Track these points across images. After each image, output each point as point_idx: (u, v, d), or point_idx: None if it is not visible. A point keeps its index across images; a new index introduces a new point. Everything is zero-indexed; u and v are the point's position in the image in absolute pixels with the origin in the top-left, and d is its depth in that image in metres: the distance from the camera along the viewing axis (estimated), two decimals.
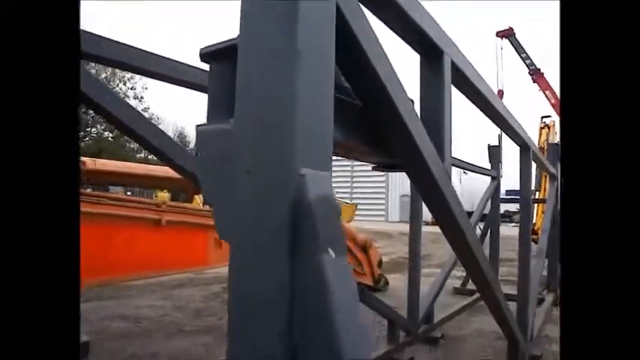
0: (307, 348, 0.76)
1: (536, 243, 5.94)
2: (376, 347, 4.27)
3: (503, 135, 7.97)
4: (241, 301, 0.86)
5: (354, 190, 31.10)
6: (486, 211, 6.23)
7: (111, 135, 30.44)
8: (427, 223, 5.49)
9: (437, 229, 2.23)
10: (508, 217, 25.17)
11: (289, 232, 0.77)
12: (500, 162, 6.31)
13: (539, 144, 11.49)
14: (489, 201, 6.01)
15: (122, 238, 3.60)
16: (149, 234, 3.72)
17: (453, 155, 4.46)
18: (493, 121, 2.94)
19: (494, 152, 6.17)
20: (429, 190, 1.70)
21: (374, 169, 1.69)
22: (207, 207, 4.55)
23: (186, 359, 4.32)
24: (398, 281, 7.43)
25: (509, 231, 9.92)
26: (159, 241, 3.81)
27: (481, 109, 2.65)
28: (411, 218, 4.54)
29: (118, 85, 32.55)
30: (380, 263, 6.83)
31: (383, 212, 31.95)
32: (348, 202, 11.88)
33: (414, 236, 4.46)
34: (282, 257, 0.77)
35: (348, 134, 1.20)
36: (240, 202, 0.83)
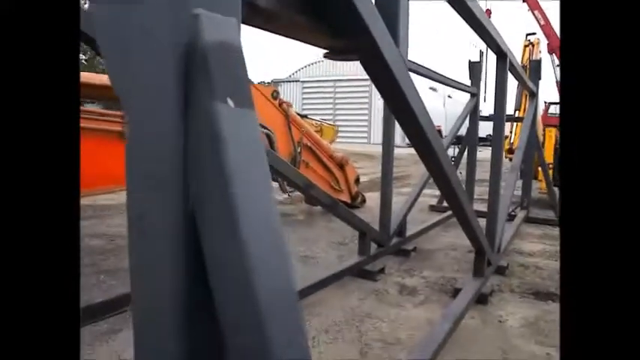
0: (205, 205, 0.68)
1: None
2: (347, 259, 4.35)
3: (485, 53, 7.75)
4: (138, 173, 0.76)
5: (337, 112, 30.80)
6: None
7: (84, 57, 29.42)
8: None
9: None
10: (490, 140, 25.20)
11: (182, 81, 0.66)
12: (480, 79, 6.15)
13: (522, 62, 11.25)
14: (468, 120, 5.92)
15: (84, 151, 3.44)
16: (114, 147, 3.58)
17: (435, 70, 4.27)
18: (470, 26, 2.79)
19: (475, 69, 5.99)
20: (386, 84, 1.59)
21: (325, 56, 1.56)
22: None
23: None
24: (376, 200, 7.49)
25: (489, 155, 9.96)
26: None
27: (458, 12, 2.49)
28: (384, 137, 4.45)
29: None
30: (357, 180, 6.83)
31: (366, 135, 31.88)
32: (331, 123, 11.70)
33: (387, 154, 4.39)
34: (174, 112, 0.67)
35: None
36: (132, 52, 0.71)
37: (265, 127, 4.91)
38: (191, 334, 0.78)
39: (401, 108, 1.76)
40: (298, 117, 5.73)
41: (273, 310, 0.71)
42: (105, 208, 7.02)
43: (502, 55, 3.51)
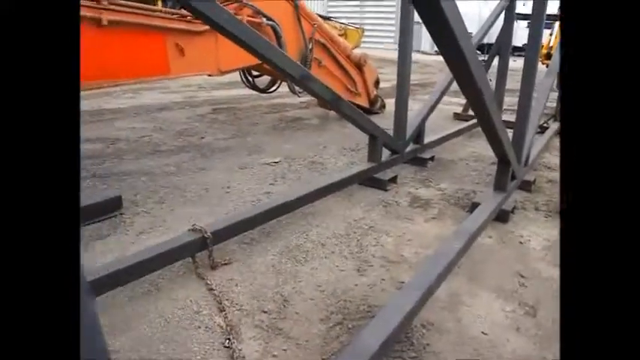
0: None
1: None
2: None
3: None
4: None
5: (365, 15, 29.07)
6: None
7: None
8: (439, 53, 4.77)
9: None
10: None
11: None
12: None
13: None
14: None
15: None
16: (87, 36, 3.13)
17: None
18: None
19: None
20: None
21: None
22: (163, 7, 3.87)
23: (149, 179, 4.06)
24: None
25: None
26: (101, 45, 3.23)
27: None
28: (400, 40, 3.83)
29: None
30: (377, 83, 6.25)
31: (393, 40, 30.18)
32: (357, 26, 10.80)
33: (403, 58, 3.80)
34: None
35: None
36: None
37: (270, 19, 4.33)
38: None
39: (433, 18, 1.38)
40: (309, 9, 5.08)
41: None
42: (116, 111, 6.70)
43: None
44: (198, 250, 2.48)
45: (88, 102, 7.22)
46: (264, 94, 6.02)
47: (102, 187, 3.68)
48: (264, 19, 4.29)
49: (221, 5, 2.26)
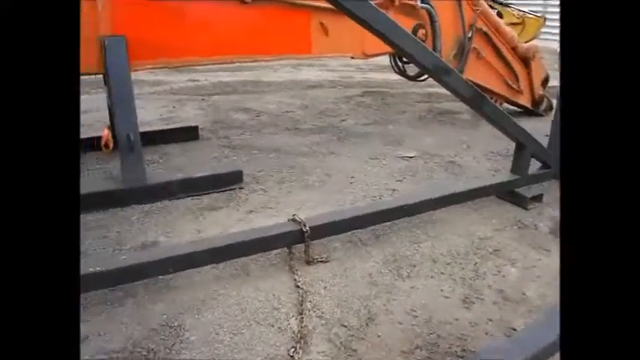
0: None
1: None
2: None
3: None
4: None
5: (549, 2, 26.22)
6: None
7: None
8: None
9: None
10: None
11: None
12: None
13: None
14: None
15: (198, 16, 3.12)
16: (231, 12, 3.17)
17: None
18: None
19: None
20: None
21: None
22: None
23: (277, 156, 4.05)
24: None
25: None
26: (244, 21, 3.25)
27: None
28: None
29: None
30: (545, 81, 5.47)
31: None
32: (538, 15, 9.68)
33: None
34: None
35: None
36: None
37: (425, 1, 3.97)
38: None
39: None
40: None
41: None
42: (269, 84, 6.95)
43: None
44: (297, 241, 2.37)
45: (250, 73, 7.62)
46: (421, 82, 5.68)
47: (231, 159, 3.78)
48: (419, 1, 3.95)
49: None
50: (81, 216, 2.71)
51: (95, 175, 3.35)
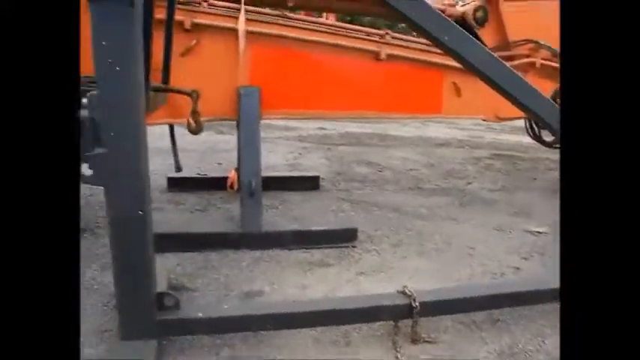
0: None
1: None
2: None
3: None
4: None
5: None
6: None
7: None
8: None
9: None
10: None
11: None
12: None
13: None
14: None
15: (330, 70, 3.18)
16: (364, 68, 3.19)
17: None
18: None
19: None
20: None
21: None
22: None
23: (396, 217, 3.91)
24: None
25: None
26: (377, 77, 3.24)
27: None
28: None
29: None
30: None
31: None
32: None
33: None
34: None
35: None
36: None
37: None
38: None
39: None
40: None
41: None
42: (395, 138, 6.91)
43: None
44: (405, 316, 2.20)
45: (377, 125, 7.66)
46: (557, 149, 5.25)
47: (348, 213, 3.73)
48: None
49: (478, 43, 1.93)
50: (196, 254, 2.83)
51: (216, 214, 3.51)
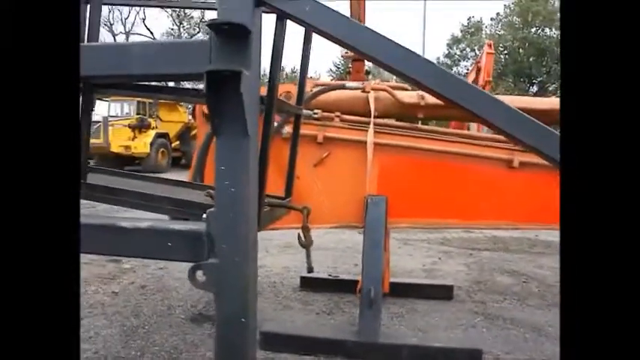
0: None
1: None
2: None
3: None
4: None
5: None
6: None
7: None
8: None
9: None
10: None
11: None
12: None
13: None
14: None
15: (461, 179, 3.13)
16: (495, 176, 3.08)
17: None
18: None
19: None
20: None
21: None
22: None
23: (534, 337, 3.51)
24: None
25: None
26: (509, 186, 3.10)
27: None
28: None
29: None
30: None
31: None
32: None
33: None
34: None
35: None
36: None
37: None
38: None
39: None
40: None
41: None
42: (548, 244, 6.35)
43: None
44: None
45: (527, 229, 7.13)
46: None
47: (479, 329, 3.47)
48: None
49: None
50: (311, 357, 2.86)
51: (340, 318, 3.54)
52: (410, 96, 3.54)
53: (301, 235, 2.44)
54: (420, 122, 3.68)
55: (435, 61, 2.01)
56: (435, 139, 3.29)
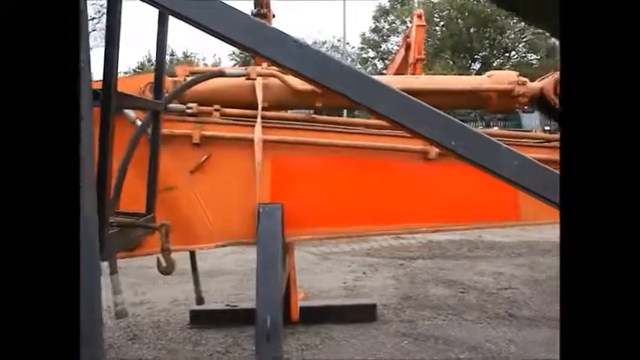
0: None
1: None
2: None
3: None
4: None
5: None
6: None
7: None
8: None
9: None
10: None
11: None
12: None
13: None
14: None
15: (370, 178, 3.14)
16: (411, 171, 3.12)
17: None
18: None
19: None
20: None
21: None
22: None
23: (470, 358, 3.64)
24: None
25: None
26: (429, 182, 3.14)
27: None
28: None
29: None
30: None
31: None
32: None
33: None
34: None
35: None
36: None
37: None
38: None
39: None
40: None
41: None
42: (502, 247, 6.64)
43: None
44: None
45: (464, 235, 7.43)
46: None
47: (408, 356, 3.53)
48: None
49: None
50: None
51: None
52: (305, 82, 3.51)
53: (161, 259, 2.31)
54: (322, 113, 3.66)
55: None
56: (336, 131, 3.29)
